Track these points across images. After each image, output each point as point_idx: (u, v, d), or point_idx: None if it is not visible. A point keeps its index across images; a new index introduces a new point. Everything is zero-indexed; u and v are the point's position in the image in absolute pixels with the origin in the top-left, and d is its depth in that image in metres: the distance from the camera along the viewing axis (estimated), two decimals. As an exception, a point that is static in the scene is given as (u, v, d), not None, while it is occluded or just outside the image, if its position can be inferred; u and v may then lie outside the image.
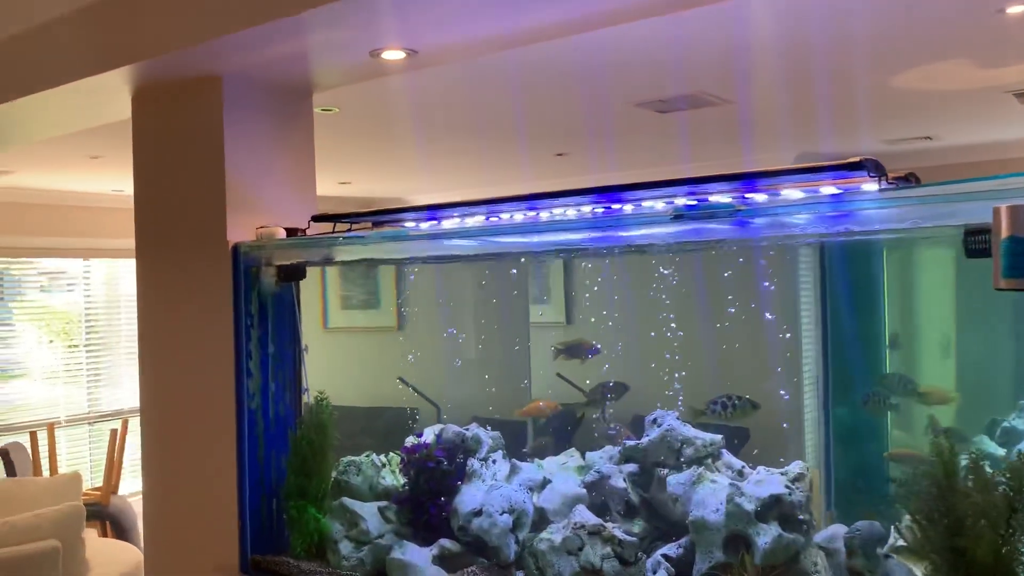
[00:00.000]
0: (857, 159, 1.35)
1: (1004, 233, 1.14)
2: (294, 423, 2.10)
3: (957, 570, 1.29)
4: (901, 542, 1.51)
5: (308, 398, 2.09)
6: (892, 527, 1.54)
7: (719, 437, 1.69)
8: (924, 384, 1.96)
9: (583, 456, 1.93)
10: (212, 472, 2.09)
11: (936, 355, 2.07)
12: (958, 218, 1.28)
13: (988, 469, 1.30)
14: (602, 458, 1.83)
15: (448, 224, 1.91)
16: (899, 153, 4.58)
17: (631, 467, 1.74)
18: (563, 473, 1.88)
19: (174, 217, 2.21)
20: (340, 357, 3.98)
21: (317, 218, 2.06)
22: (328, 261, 2.17)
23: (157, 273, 2.27)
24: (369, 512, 1.94)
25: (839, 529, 1.39)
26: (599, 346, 1.99)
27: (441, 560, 1.82)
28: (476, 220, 1.86)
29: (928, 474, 1.34)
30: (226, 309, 2.06)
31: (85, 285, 6.65)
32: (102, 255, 6.43)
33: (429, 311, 3.63)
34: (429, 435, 1.97)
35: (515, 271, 3.02)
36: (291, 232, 2.09)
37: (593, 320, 2.52)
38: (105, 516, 5.16)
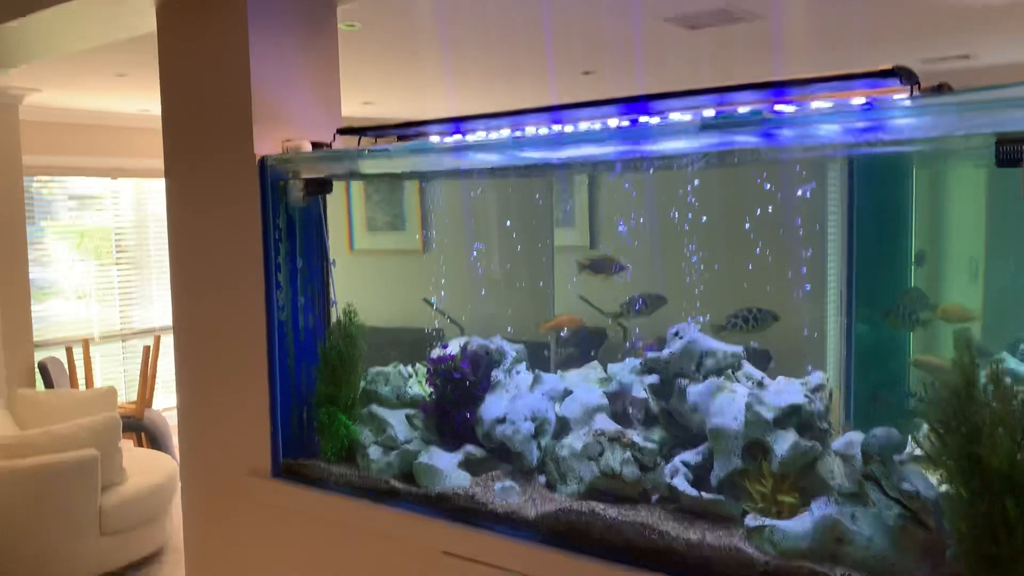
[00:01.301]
0: (889, 67, 1.33)
1: (1036, 141, 1.12)
2: (323, 334, 2.14)
3: (972, 476, 1.32)
4: (919, 451, 1.54)
5: (336, 311, 2.13)
6: (910, 436, 1.57)
7: (740, 348, 1.71)
8: (946, 302, 1.96)
9: (605, 369, 1.96)
10: (244, 381, 2.15)
11: (962, 273, 2.06)
12: (991, 127, 1.26)
13: (1007, 380, 1.31)
14: (624, 370, 1.86)
15: (472, 138, 1.91)
16: (935, 72, 4.46)
17: (653, 378, 1.77)
18: (585, 384, 1.92)
19: (201, 131, 2.22)
20: (366, 279, 4.03)
21: (343, 131, 2.07)
22: (354, 175, 2.18)
23: (186, 188, 2.30)
24: (397, 419, 1.99)
25: (856, 436, 1.42)
26: (624, 263, 2.00)
27: (466, 465, 1.88)
28: (500, 134, 1.85)
29: (948, 384, 1.35)
30: (254, 223, 2.09)
31: (114, 205, 6.73)
32: (130, 175, 6.49)
33: (455, 233, 3.64)
34: (455, 347, 2.01)
35: (538, 195, 3.02)
36: (317, 146, 2.10)
37: (619, 236, 2.52)
38: (140, 428, 5.34)
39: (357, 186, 4.38)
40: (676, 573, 1.50)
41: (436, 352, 1.99)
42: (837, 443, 1.42)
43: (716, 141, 1.63)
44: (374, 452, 1.97)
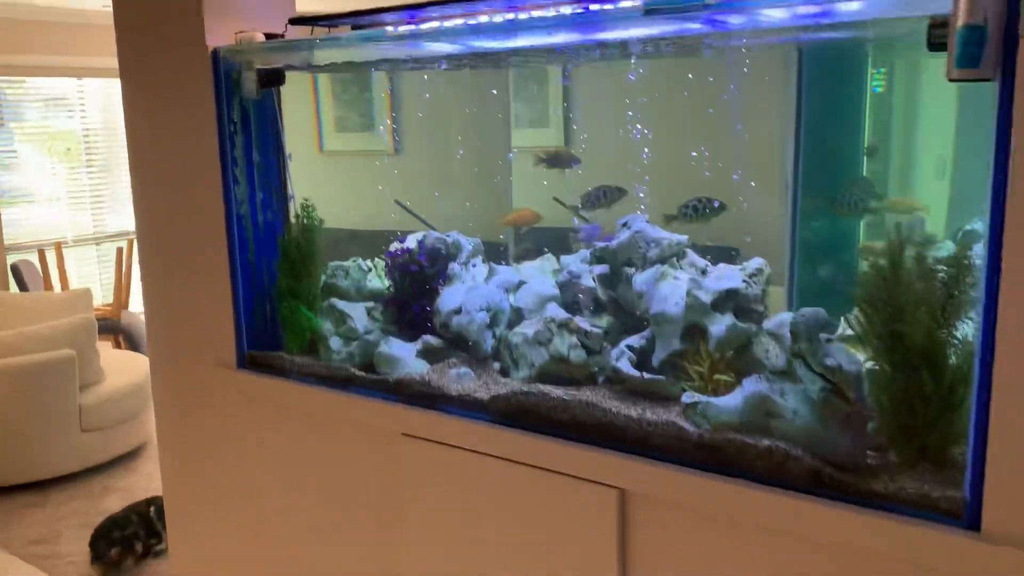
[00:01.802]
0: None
1: (961, 20, 1.14)
2: (283, 229, 2.17)
3: (894, 352, 1.39)
4: (850, 331, 1.61)
5: (295, 206, 2.15)
6: (842, 318, 1.64)
7: (684, 238, 1.75)
8: (895, 192, 2.00)
9: (559, 260, 2.01)
10: (207, 275, 2.19)
11: (913, 164, 2.10)
12: (922, 10, 1.27)
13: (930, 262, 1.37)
14: (574, 260, 1.91)
15: (425, 26, 1.89)
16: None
17: (602, 268, 1.81)
18: (539, 275, 1.97)
19: (153, 25, 2.18)
20: (336, 181, 4.02)
21: (294, 21, 2.04)
22: (308, 66, 2.16)
23: (140, 85, 2.28)
24: (357, 312, 2.04)
25: (786, 316, 1.48)
26: (578, 157, 2.02)
27: (424, 354, 1.95)
28: (455, 22, 1.84)
29: (876, 266, 1.41)
30: (209, 116, 2.08)
31: (82, 107, 6.60)
32: (96, 75, 6.34)
33: (426, 133, 3.62)
34: (412, 241, 2.05)
35: (495, 89, 3.00)
36: (270, 37, 2.08)
37: (575, 128, 2.53)
38: (118, 330, 5.40)
39: (325, 86, 4.32)
40: (617, 446, 1.58)
41: (394, 246, 2.03)
42: (768, 323, 1.48)
43: (664, 29, 1.63)
44: (335, 343, 2.03)
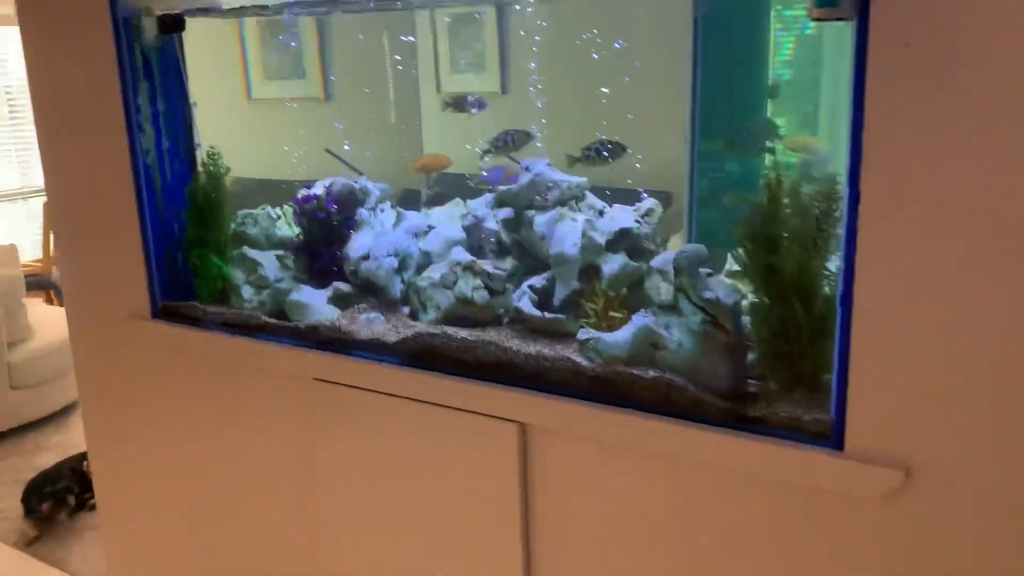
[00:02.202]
0: None
1: (818, -39, 1.18)
2: (191, 178, 2.16)
3: (771, 285, 1.45)
4: (737, 267, 1.67)
5: (201, 154, 2.13)
6: (729, 255, 1.70)
7: (583, 180, 1.79)
8: (793, 132, 2.06)
9: (467, 205, 2.03)
10: (116, 226, 2.17)
11: (813, 103, 2.15)
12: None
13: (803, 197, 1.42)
14: (480, 204, 1.94)
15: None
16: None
17: (506, 211, 1.85)
18: (448, 220, 1.99)
19: (48, -32, 2.12)
20: (266, 130, 3.95)
21: (193, -35, 2.00)
22: (208, 11, 2.12)
23: (41, 34, 2.22)
24: (267, 260, 2.05)
25: (671, 254, 1.53)
26: (484, 100, 2.03)
27: (335, 300, 1.97)
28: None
29: (754, 202, 1.46)
30: (110, 64, 2.05)
31: (4, 59, 6.37)
32: (11, 23, 6.10)
33: (357, 79, 3.57)
34: (320, 187, 2.05)
35: (421, 32, 2.98)
36: (170, -18, 2.04)
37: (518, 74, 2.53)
38: (49, 286, 5.30)
39: (252, 32, 4.23)
40: (518, 383, 1.63)
41: (301, 192, 2.03)
42: (655, 261, 1.53)
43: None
44: (247, 291, 2.04)
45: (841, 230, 1.32)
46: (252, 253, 2.06)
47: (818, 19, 1.22)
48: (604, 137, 1.88)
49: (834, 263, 1.43)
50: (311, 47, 4.06)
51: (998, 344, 1.17)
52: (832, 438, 1.35)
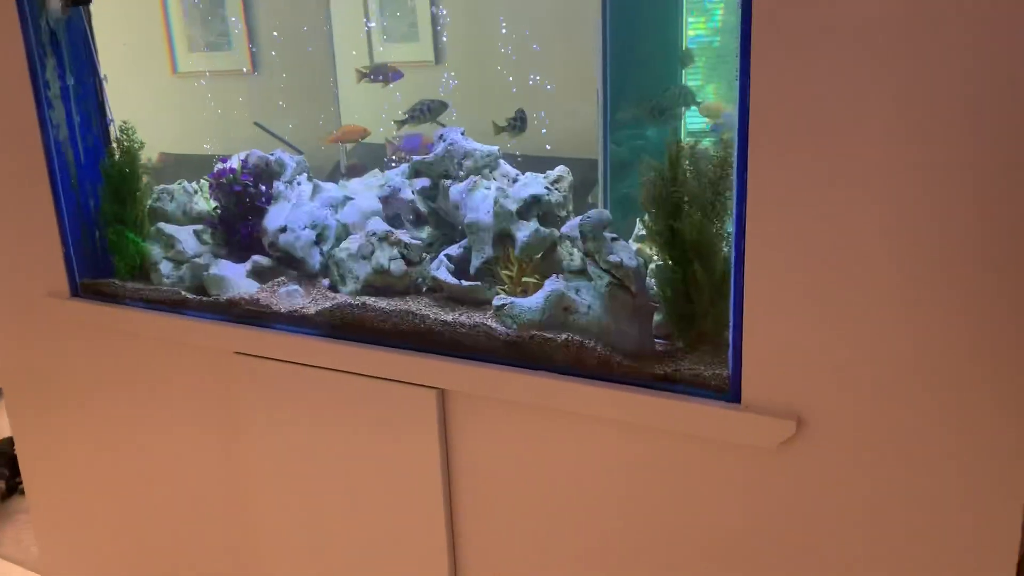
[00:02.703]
0: None
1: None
2: (104, 153, 2.12)
3: (674, 248, 1.51)
4: (643, 232, 1.72)
5: (114, 129, 2.10)
6: (637, 220, 1.75)
7: (495, 148, 1.82)
8: (705, 99, 2.11)
9: (384, 175, 2.05)
10: (31, 204, 2.13)
11: (727, 70, 2.21)
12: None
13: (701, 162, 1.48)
14: (396, 174, 1.95)
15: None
16: None
17: (422, 181, 1.87)
18: (365, 191, 2.00)
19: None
20: (193, 104, 3.87)
21: (95, -64, 1.96)
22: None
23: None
24: (185, 235, 2.04)
25: (577, 220, 1.58)
26: (400, 70, 2.04)
27: (254, 274, 1.97)
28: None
29: (656, 167, 1.51)
30: (16, 38, 2.00)
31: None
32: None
33: (284, 50, 3.52)
34: (235, 161, 2.04)
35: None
36: (74, -47, 1.99)
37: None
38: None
39: (175, 3, 4.12)
40: (434, 350, 1.67)
41: (217, 166, 2.02)
42: (564, 227, 1.57)
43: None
44: (165, 267, 2.03)
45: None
46: (169, 228, 2.04)
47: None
48: (519, 108, 1.92)
49: (731, 225, 1.49)
50: (238, 18, 3.98)
51: (877, 299, 1.24)
52: (730, 392, 1.41)
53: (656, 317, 1.57)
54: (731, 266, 1.38)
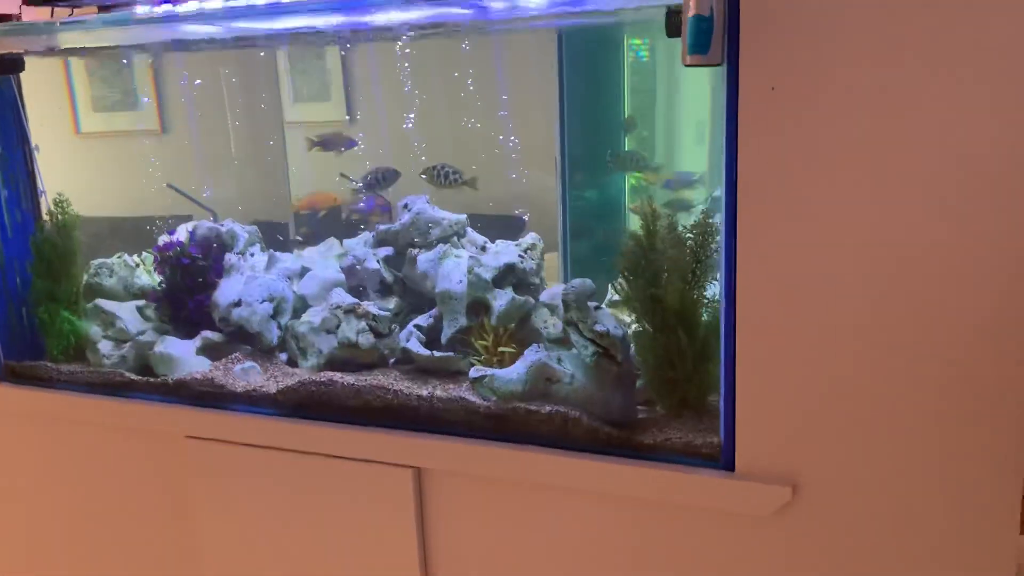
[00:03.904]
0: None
1: (690, 11, 1.24)
2: (34, 227, 1.99)
3: (655, 315, 1.51)
4: (617, 297, 1.73)
5: (46, 201, 1.98)
6: (609, 285, 1.75)
7: (463, 217, 1.80)
8: (660, 160, 2.15)
9: (342, 244, 1.99)
10: (-53, 284, 1.97)
11: (664, 138, 2.26)
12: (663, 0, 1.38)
13: (680, 229, 1.49)
14: (358, 244, 1.90)
15: (183, 8, 1.79)
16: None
17: (386, 250, 1.82)
18: (323, 261, 1.94)
19: None
20: (97, 164, 3.70)
21: (30, 1, 1.86)
22: (51, 51, 1.98)
23: None
24: (126, 311, 1.92)
25: (559, 288, 1.57)
26: (353, 138, 2.00)
27: (205, 350, 1.87)
28: (214, 4, 1.76)
29: (634, 235, 1.52)
30: (-65, 107, 1.87)
31: None
32: None
33: (197, 110, 3.42)
34: (182, 232, 1.95)
35: (268, 69, 2.90)
36: (3, 19, 1.88)
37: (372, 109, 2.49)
38: None
39: (78, 63, 3.95)
40: (411, 426, 1.61)
41: (163, 239, 1.92)
42: (543, 295, 1.56)
43: (427, 14, 1.65)
44: (105, 347, 1.90)
45: (719, 260, 1.39)
46: (108, 305, 1.92)
47: (691, 65, 1.28)
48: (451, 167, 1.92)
49: (711, 291, 1.51)
50: (145, 78, 3.85)
51: (869, 365, 1.27)
52: (722, 460, 1.41)
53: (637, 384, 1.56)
54: (721, 332, 1.39)
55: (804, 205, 1.25)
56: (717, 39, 1.25)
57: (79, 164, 3.76)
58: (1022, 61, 1.12)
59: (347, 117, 2.78)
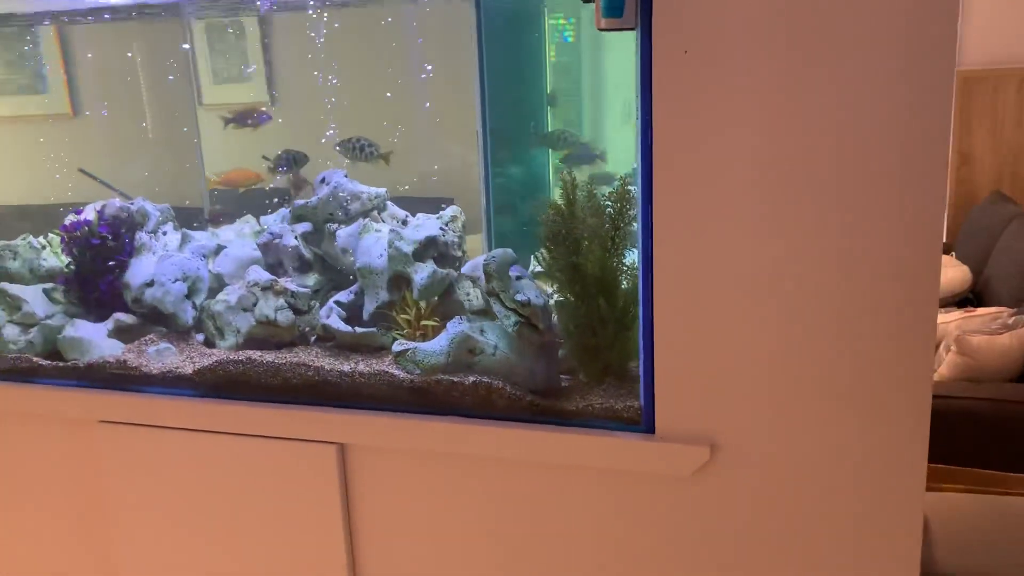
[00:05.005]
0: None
1: (603, -25, 1.25)
2: (-71, 209, 1.89)
3: (575, 283, 1.52)
4: (539, 268, 1.73)
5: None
6: (532, 256, 1.76)
7: (383, 190, 1.78)
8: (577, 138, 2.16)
9: (259, 221, 1.94)
10: None
11: (590, 111, 2.27)
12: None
13: (599, 197, 1.50)
14: (275, 220, 1.86)
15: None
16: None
17: (304, 226, 1.79)
18: (239, 239, 1.89)
19: None
20: (9, 149, 3.54)
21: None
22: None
23: None
24: (32, 295, 1.84)
25: (479, 260, 1.56)
26: (267, 113, 1.95)
27: (117, 333, 1.81)
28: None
29: (554, 205, 1.52)
30: None
31: None
32: None
33: (109, 92, 3.29)
34: (90, 212, 1.88)
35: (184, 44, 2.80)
36: None
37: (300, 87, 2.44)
38: None
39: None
40: (332, 403, 1.59)
41: (69, 219, 1.85)
42: (465, 267, 1.55)
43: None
44: (10, 332, 1.82)
45: (636, 228, 1.41)
46: (13, 289, 1.84)
47: (605, 29, 1.29)
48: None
49: (629, 258, 1.52)
50: (54, 59, 3.69)
51: (776, 328, 1.30)
52: (643, 423, 1.43)
53: (560, 352, 1.57)
54: (639, 299, 1.41)
55: (716, 170, 1.27)
56: (631, 2, 1.26)
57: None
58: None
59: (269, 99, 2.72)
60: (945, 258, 3.96)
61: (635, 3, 1.26)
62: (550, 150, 2.17)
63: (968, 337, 2.74)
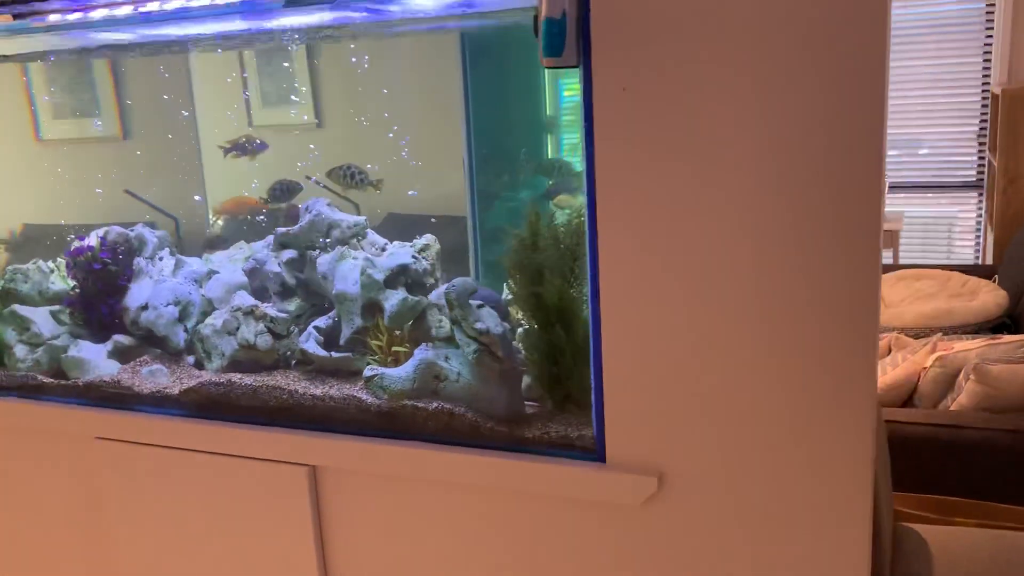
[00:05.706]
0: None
1: (542, 15, 1.28)
2: (-51, 234, 2.02)
3: (538, 312, 1.54)
4: (510, 296, 1.76)
5: (-39, 208, 2.00)
6: (504, 284, 1.78)
7: (363, 219, 1.83)
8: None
9: (250, 247, 2.02)
10: None
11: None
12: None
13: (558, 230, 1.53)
14: (262, 247, 1.93)
15: (96, 15, 1.82)
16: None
17: (289, 253, 1.85)
18: (230, 265, 1.97)
19: None
20: (59, 172, 3.73)
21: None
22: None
23: None
24: (40, 316, 1.95)
25: (443, 288, 1.60)
26: (262, 141, 2.03)
27: (115, 354, 1.90)
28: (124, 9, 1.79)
29: (517, 235, 1.55)
30: None
31: None
32: None
33: (162, 116, 3.44)
34: (93, 238, 1.98)
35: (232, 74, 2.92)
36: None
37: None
38: None
39: (36, 69, 3.99)
40: (306, 425, 1.64)
41: (74, 244, 1.95)
42: (432, 295, 1.59)
43: (322, 18, 1.68)
44: (20, 351, 1.93)
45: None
46: (23, 310, 1.95)
47: (548, 67, 1.31)
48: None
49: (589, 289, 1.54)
50: (106, 84, 3.87)
51: (721, 359, 1.30)
52: (596, 452, 1.44)
53: (526, 380, 1.60)
54: (590, 329, 1.42)
55: (655, 203, 1.29)
56: (571, 41, 1.29)
57: (40, 172, 3.78)
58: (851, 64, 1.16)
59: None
60: (982, 282, 3.84)
61: (575, 43, 1.29)
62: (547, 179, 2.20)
63: (987, 366, 2.66)
